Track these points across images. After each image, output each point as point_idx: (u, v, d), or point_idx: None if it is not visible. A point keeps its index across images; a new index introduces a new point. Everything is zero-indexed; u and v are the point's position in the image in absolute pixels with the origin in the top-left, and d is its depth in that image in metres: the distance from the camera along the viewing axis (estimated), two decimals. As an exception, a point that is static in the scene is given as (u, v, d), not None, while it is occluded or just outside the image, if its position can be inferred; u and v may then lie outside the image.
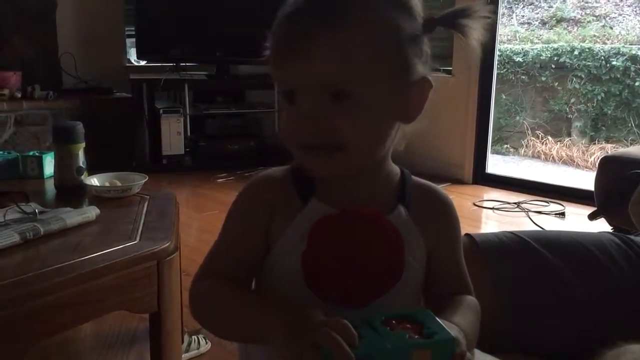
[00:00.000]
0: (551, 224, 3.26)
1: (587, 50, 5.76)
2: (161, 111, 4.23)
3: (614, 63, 5.59)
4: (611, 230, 2.04)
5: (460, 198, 3.77)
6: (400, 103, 0.71)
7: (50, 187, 1.86)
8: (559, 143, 5.81)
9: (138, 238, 1.40)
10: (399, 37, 0.69)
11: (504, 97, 6.09)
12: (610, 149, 5.30)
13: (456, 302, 0.77)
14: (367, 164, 0.74)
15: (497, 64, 4.29)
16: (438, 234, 0.79)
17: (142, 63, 4.72)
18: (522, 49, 6.11)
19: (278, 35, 0.68)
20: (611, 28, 6.14)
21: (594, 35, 6.10)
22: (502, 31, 5.99)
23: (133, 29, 4.44)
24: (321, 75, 0.66)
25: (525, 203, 3.62)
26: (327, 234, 0.72)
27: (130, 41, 4.64)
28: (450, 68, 4.13)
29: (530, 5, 6.63)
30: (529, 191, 3.86)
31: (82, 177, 1.79)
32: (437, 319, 0.65)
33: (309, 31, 0.65)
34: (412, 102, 0.73)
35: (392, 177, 0.78)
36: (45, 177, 1.95)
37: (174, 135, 4.25)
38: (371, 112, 0.69)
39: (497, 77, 4.23)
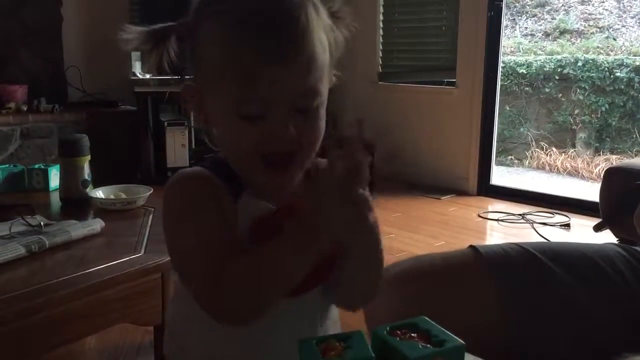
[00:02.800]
0: (556, 236, 3.24)
1: (590, 61, 5.76)
2: (166, 124, 4.25)
3: (617, 74, 5.59)
4: (616, 242, 2.03)
5: (465, 209, 3.76)
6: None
7: (55, 199, 1.86)
8: (563, 154, 5.80)
9: (143, 250, 1.40)
10: (331, 47, 0.74)
11: (508, 108, 6.09)
12: (615, 160, 5.29)
13: None
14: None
15: (501, 76, 4.29)
16: None
17: (147, 76, 4.74)
18: (526, 61, 6.12)
19: (250, 53, 0.68)
20: (615, 39, 6.15)
21: (598, 47, 6.11)
22: (506, 43, 6.00)
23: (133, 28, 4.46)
24: (294, 89, 0.70)
25: (530, 214, 3.61)
26: (267, 234, 0.69)
27: (135, 54, 4.66)
28: (454, 80, 4.14)
29: (534, 17, 6.65)
30: (534, 202, 3.85)
31: (87, 189, 1.80)
32: (439, 326, 0.66)
33: (282, 51, 0.68)
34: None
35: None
36: (50, 189, 1.96)
37: (178, 147, 4.26)
38: (322, 119, 0.74)
39: (501, 88, 4.23)
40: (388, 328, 0.65)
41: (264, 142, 0.70)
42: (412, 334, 0.65)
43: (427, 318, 0.68)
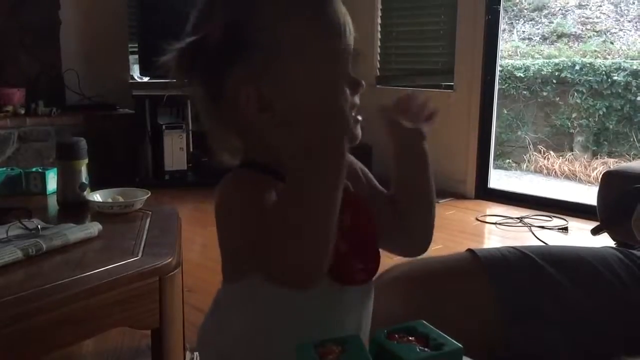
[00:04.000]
0: (554, 239, 3.24)
1: (588, 65, 5.78)
2: (164, 127, 4.24)
3: (615, 78, 5.60)
4: (614, 245, 2.04)
5: (463, 213, 3.76)
6: None
7: (53, 203, 1.86)
8: (561, 158, 5.81)
9: (140, 254, 1.40)
10: None
11: (505, 112, 6.10)
12: (613, 164, 5.30)
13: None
14: None
15: (499, 79, 4.30)
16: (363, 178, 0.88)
17: (145, 79, 4.74)
18: (524, 64, 6.13)
19: (338, 11, 0.75)
20: (612, 43, 6.16)
21: (595, 51, 6.13)
22: (503, 46, 6.02)
23: (136, 45, 4.46)
24: None
25: (528, 218, 3.61)
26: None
27: (133, 57, 4.66)
28: (452, 83, 4.15)
29: (531, 21, 6.67)
30: (532, 206, 3.85)
31: (85, 193, 1.80)
32: (437, 330, 0.66)
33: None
34: None
35: None
36: (48, 193, 1.95)
37: (176, 151, 4.26)
38: None
39: (498, 92, 4.24)
40: (386, 331, 0.65)
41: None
42: (410, 338, 0.65)
43: (425, 322, 0.68)
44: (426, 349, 0.63)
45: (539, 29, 6.60)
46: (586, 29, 6.34)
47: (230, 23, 0.71)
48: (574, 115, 5.89)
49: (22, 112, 3.92)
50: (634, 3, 6.22)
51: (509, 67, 6.09)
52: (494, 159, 4.37)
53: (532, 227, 3.44)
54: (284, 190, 0.67)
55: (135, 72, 4.77)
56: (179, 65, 0.74)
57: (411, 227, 0.85)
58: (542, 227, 3.46)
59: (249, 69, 0.71)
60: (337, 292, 0.75)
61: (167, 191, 3.96)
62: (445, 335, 0.65)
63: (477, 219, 3.65)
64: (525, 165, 6.01)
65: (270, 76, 0.71)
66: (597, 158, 5.71)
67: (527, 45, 6.59)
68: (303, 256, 0.65)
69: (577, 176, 5.60)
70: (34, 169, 2.03)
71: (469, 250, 1.16)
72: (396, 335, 0.65)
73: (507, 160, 6.18)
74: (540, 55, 6.37)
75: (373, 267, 0.79)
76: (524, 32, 6.66)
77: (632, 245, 1.38)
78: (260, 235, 0.68)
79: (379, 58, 4.57)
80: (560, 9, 6.56)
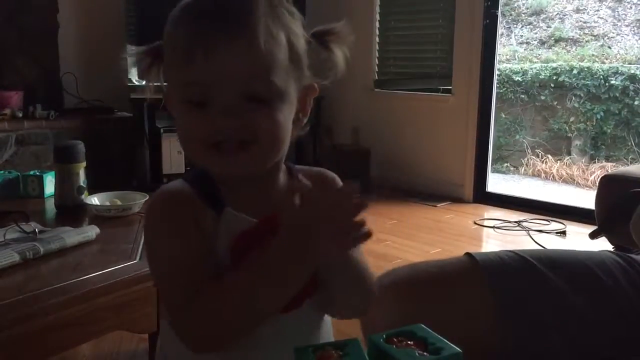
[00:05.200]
0: (552, 243, 3.24)
1: (585, 69, 5.79)
2: (162, 130, 4.24)
3: (612, 82, 5.61)
4: (612, 249, 2.04)
5: (461, 217, 3.76)
6: (297, 107, 0.75)
7: (50, 206, 1.86)
8: (559, 162, 5.81)
9: (138, 257, 1.39)
10: (295, 48, 0.73)
11: (503, 116, 6.11)
12: (610, 168, 5.30)
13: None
14: (272, 162, 0.75)
15: (497, 83, 4.30)
16: None
17: (143, 83, 4.74)
18: (521, 69, 6.14)
19: (188, 34, 0.69)
20: (609, 47, 6.18)
21: (593, 55, 6.14)
22: (501, 51, 6.03)
23: (134, 49, 4.47)
24: (237, 73, 0.68)
25: (526, 222, 3.61)
26: (248, 248, 0.70)
27: (131, 61, 4.66)
28: (450, 87, 4.15)
29: (529, 25, 6.68)
30: (530, 210, 3.85)
31: (83, 196, 1.80)
32: (435, 333, 0.66)
33: (223, 30, 0.67)
34: (304, 106, 0.77)
35: (285, 176, 0.80)
36: (45, 196, 1.95)
37: (174, 154, 4.26)
38: (282, 113, 0.71)
39: (496, 96, 4.24)
40: (384, 336, 0.65)
41: (209, 130, 0.69)
42: (409, 342, 0.65)
43: (423, 325, 0.68)
44: (425, 353, 0.63)
45: (536, 33, 6.61)
46: (584, 33, 6.35)
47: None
48: (571, 119, 5.90)
49: (20, 115, 3.91)
50: (631, 8, 6.24)
51: (506, 71, 6.10)
52: (492, 163, 4.37)
53: (530, 231, 3.45)
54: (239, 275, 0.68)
55: (134, 75, 4.77)
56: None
57: (339, 298, 0.77)
58: (540, 231, 3.46)
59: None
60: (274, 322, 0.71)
61: (165, 195, 3.96)
62: (444, 339, 0.65)
63: (475, 223, 3.65)
64: (523, 169, 6.02)
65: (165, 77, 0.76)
66: (594, 162, 5.72)
67: (525, 49, 6.60)
68: (211, 336, 0.68)
69: (575, 180, 5.61)
70: (31, 172, 2.02)
71: (467, 254, 1.16)
72: (395, 339, 0.65)
73: (505, 164, 6.18)
74: (538, 59, 6.39)
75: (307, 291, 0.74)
76: (521, 36, 6.67)
77: (630, 249, 1.38)
78: (159, 274, 0.74)
79: (377, 62, 4.58)
80: (558, 14, 6.57)
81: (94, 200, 1.79)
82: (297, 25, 0.74)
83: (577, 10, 6.48)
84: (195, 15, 0.69)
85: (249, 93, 0.69)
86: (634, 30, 6.18)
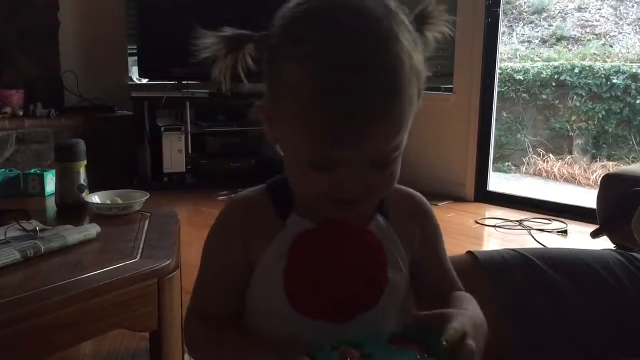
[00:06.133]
0: (553, 242, 3.24)
1: (587, 68, 5.78)
2: (162, 129, 4.24)
3: (614, 81, 5.60)
4: (614, 248, 2.03)
5: (462, 216, 3.76)
6: None
7: (51, 204, 1.86)
8: (560, 161, 5.81)
9: (139, 256, 1.39)
10: (420, 79, 0.69)
11: (505, 114, 6.10)
12: (612, 167, 5.30)
13: (456, 298, 0.77)
14: None
15: (498, 82, 4.30)
16: (419, 238, 0.80)
17: (144, 81, 4.74)
18: (523, 67, 6.13)
19: (338, 114, 0.61)
20: (611, 46, 6.17)
21: (594, 54, 6.13)
22: (503, 49, 6.02)
23: (135, 47, 4.46)
24: (377, 152, 0.65)
25: (527, 221, 3.61)
26: (307, 248, 0.71)
27: (132, 59, 4.66)
28: (452, 86, 4.15)
29: (530, 23, 6.67)
30: (531, 209, 3.85)
31: (83, 194, 1.79)
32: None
33: (377, 109, 0.61)
34: None
35: None
36: (46, 194, 1.95)
37: (175, 153, 4.26)
38: (399, 163, 0.69)
39: (498, 95, 4.24)
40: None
41: (333, 188, 0.66)
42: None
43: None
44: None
45: (538, 31, 6.60)
46: (585, 32, 6.34)
47: (275, 51, 0.68)
48: (573, 118, 5.89)
49: (21, 113, 3.91)
50: (633, 6, 6.23)
51: (508, 70, 6.09)
52: (493, 162, 4.36)
53: (531, 230, 3.44)
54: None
55: (134, 74, 4.77)
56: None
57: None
58: (542, 230, 3.45)
59: (269, 93, 0.69)
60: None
61: (165, 193, 3.96)
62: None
63: (477, 222, 3.64)
64: (524, 168, 6.01)
65: (271, 95, 0.68)
66: (596, 161, 5.71)
67: (526, 48, 6.59)
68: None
69: (576, 179, 5.60)
70: (32, 171, 2.02)
71: (469, 252, 1.16)
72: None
73: (507, 163, 6.18)
74: (539, 58, 6.38)
75: (360, 301, 0.72)
76: (523, 34, 6.66)
77: (632, 248, 1.37)
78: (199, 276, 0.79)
79: (378, 60, 4.57)
80: (559, 12, 6.56)
81: (95, 198, 1.79)
82: (421, 51, 0.70)
83: (579, 9, 6.47)
84: (344, 92, 0.61)
85: (379, 163, 0.66)
86: (635, 29, 6.17)
